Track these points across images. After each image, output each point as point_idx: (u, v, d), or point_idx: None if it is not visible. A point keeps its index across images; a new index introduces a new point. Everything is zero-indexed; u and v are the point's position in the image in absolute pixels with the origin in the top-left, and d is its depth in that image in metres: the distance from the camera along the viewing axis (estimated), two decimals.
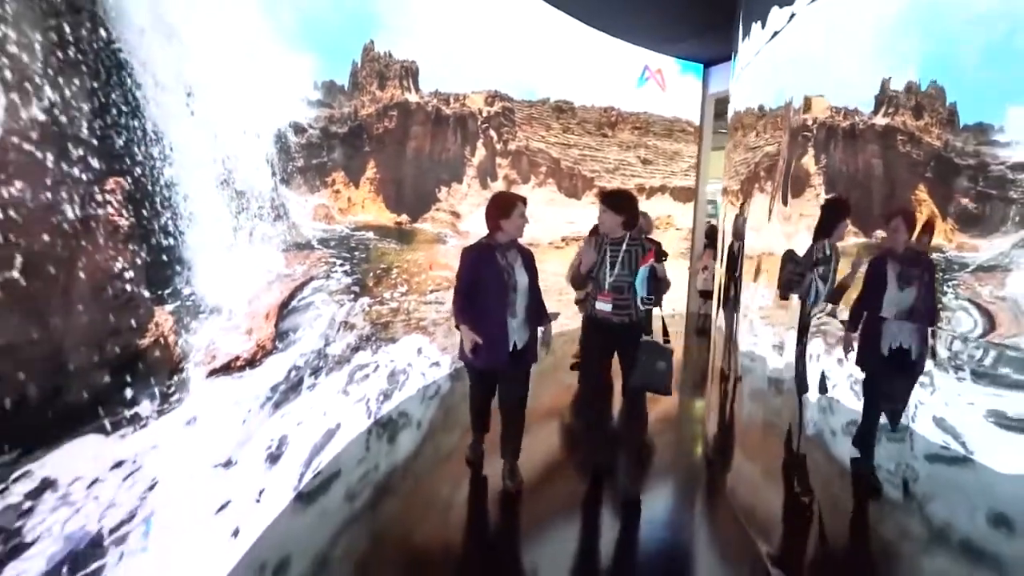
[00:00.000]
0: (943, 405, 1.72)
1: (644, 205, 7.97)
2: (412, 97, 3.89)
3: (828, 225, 2.17)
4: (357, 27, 3.13)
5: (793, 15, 2.73)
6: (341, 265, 2.99)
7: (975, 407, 1.61)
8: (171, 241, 1.57)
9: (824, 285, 2.13)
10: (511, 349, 2.52)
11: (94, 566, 1.28)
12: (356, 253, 3.18)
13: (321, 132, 2.72)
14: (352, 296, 3.12)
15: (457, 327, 2.55)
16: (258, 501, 2.23)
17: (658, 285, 2.57)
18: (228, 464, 1.96)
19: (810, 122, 2.69)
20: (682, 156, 7.91)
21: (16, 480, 1.04)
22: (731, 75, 4.00)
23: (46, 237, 1.09)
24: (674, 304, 7.39)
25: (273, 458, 2.34)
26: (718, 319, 3.98)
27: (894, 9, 2.19)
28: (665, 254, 2.57)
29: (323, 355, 2.80)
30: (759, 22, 3.34)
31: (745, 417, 3.17)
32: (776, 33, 3.03)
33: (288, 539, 2.31)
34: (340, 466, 2.98)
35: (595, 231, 4.25)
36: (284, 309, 2.40)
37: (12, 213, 1.00)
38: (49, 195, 1.10)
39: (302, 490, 2.64)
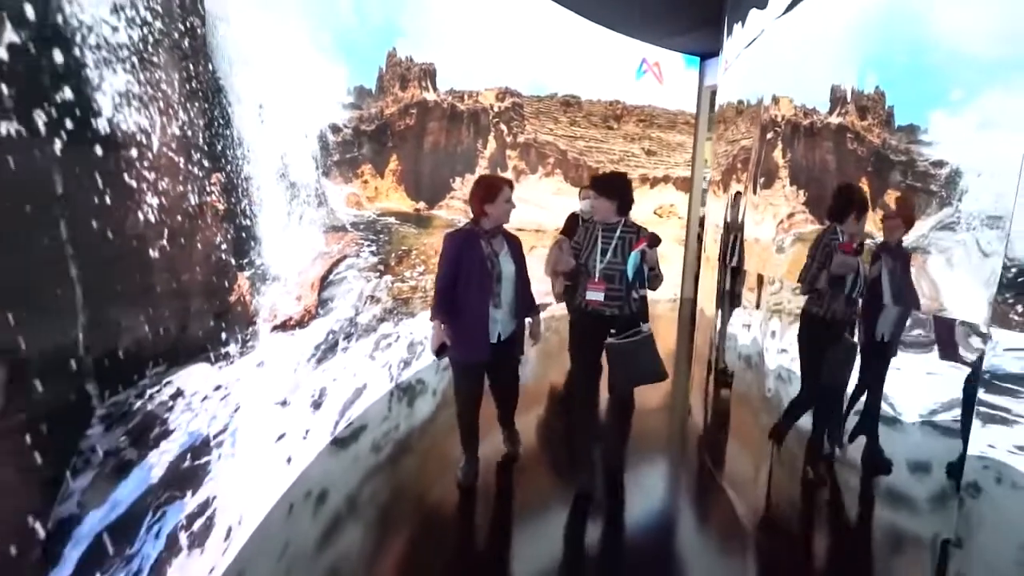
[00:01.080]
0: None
1: (649, 194, 8.36)
2: (430, 96, 4.31)
3: (842, 211, 2.17)
4: (382, 37, 3.55)
5: (763, 30, 3.10)
6: (368, 246, 3.45)
7: (901, 372, 1.92)
8: (248, 222, 2.03)
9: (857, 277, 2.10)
10: (495, 341, 2.43)
11: (204, 459, 1.76)
12: (381, 236, 3.64)
13: (353, 131, 3.17)
14: (378, 273, 3.58)
15: (431, 318, 2.41)
16: (304, 438, 2.71)
17: (649, 274, 2.47)
18: (284, 404, 2.44)
19: (778, 119, 3.06)
20: (685, 147, 8.23)
21: (163, 387, 1.51)
22: (718, 71, 4.36)
23: (179, 217, 1.55)
24: (674, 290, 7.79)
25: (316, 405, 2.82)
26: (707, 309, 4.19)
27: (847, 24, 2.55)
28: (658, 240, 2.44)
29: (354, 323, 3.27)
30: (740, 23, 3.70)
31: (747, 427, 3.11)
32: (753, 40, 3.39)
33: (326, 476, 2.78)
34: (367, 421, 3.46)
35: (570, 224, 4.36)
36: (324, 281, 2.86)
37: (163, 200, 1.46)
38: (181, 187, 1.56)
39: (337, 436, 3.13)
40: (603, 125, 7.47)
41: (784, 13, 3.00)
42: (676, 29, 6.56)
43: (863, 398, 2.05)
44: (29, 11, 0.96)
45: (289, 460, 2.54)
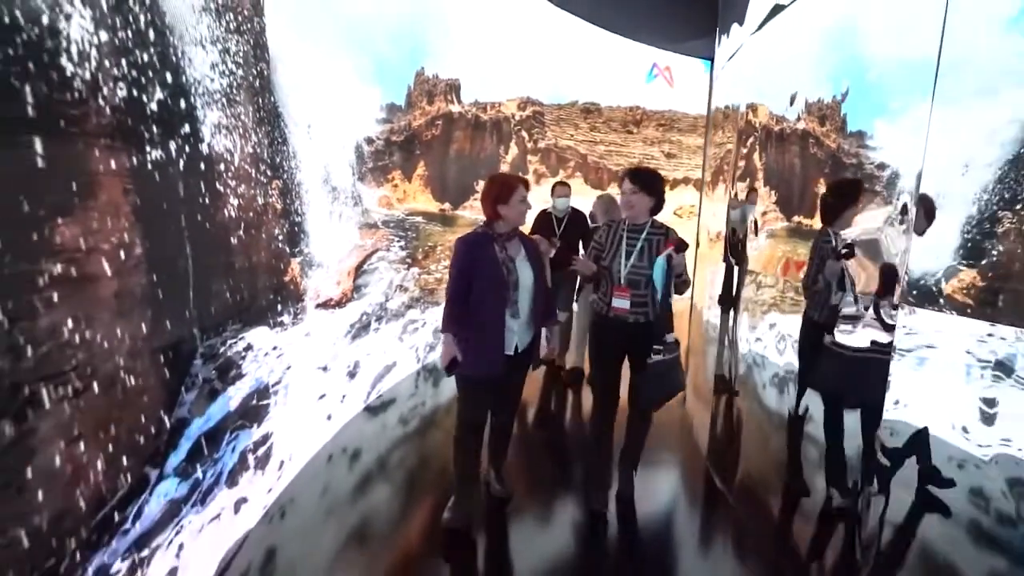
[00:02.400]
0: None
1: (669, 195, 8.65)
2: (455, 108, 4.81)
3: (834, 211, 2.11)
4: (411, 59, 4.07)
5: (741, 44, 3.44)
6: (398, 241, 3.96)
7: None
8: (299, 219, 2.55)
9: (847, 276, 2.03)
10: (512, 352, 2.22)
11: (265, 401, 2.27)
12: (409, 233, 4.15)
13: (384, 142, 3.69)
14: (406, 266, 4.09)
15: (442, 330, 2.19)
16: (342, 401, 3.22)
17: (676, 280, 2.29)
18: (325, 369, 2.96)
19: (755, 125, 3.40)
20: None
21: (239, 340, 2.03)
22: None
23: (250, 214, 2.07)
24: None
25: (351, 374, 3.33)
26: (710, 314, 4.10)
27: (809, 41, 2.87)
28: (686, 244, 2.27)
29: (384, 308, 3.78)
30: (726, 34, 4.02)
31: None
32: (735, 52, 3.73)
33: (360, 437, 3.27)
34: (396, 395, 3.96)
35: (541, 223, 4.01)
36: (359, 270, 3.38)
37: (240, 201, 1.97)
38: (252, 191, 2.07)
39: (369, 404, 3.64)
40: (623, 130, 7.82)
41: (757, 30, 3.35)
42: (683, 34, 6.71)
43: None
44: (168, 76, 1.47)
45: (329, 417, 3.06)
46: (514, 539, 2.39)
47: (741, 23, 3.44)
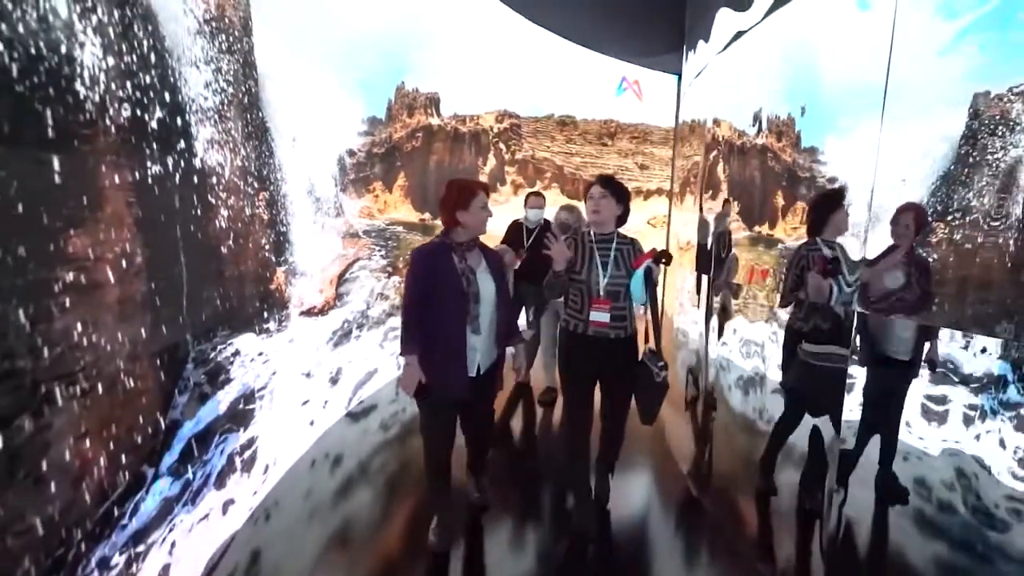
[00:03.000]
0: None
1: (643, 205, 8.91)
2: (435, 121, 4.94)
3: (819, 220, 2.09)
4: (392, 73, 4.19)
5: (707, 63, 3.65)
6: (379, 250, 4.05)
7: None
8: (284, 229, 2.64)
9: (840, 284, 1.99)
10: (473, 374, 2.06)
11: (251, 406, 2.34)
12: (390, 242, 4.24)
13: (366, 154, 3.79)
14: (387, 274, 4.18)
15: (402, 352, 2.01)
16: (324, 407, 3.29)
17: (653, 292, 2.25)
18: (308, 375, 3.03)
19: (720, 139, 3.60)
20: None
21: (227, 345, 2.10)
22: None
23: (239, 224, 2.15)
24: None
25: (333, 381, 3.40)
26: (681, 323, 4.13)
27: (769, 61, 3.06)
28: (669, 257, 2.23)
29: (366, 315, 3.86)
30: (693, 51, 4.23)
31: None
32: (702, 69, 3.94)
33: (341, 443, 3.33)
34: (377, 401, 4.02)
35: (512, 234, 3.81)
36: (341, 278, 3.46)
37: (230, 212, 2.06)
38: (241, 203, 2.16)
39: (351, 410, 3.70)
40: (598, 142, 8.05)
41: (723, 49, 3.55)
42: (652, 49, 6.72)
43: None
44: (167, 96, 1.56)
45: (312, 423, 3.12)
46: (495, 553, 2.34)
47: (707, 40, 3.65)
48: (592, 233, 2.24)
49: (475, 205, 2.01)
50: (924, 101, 2.19)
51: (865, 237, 2.08)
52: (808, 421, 2.09)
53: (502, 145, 6.26)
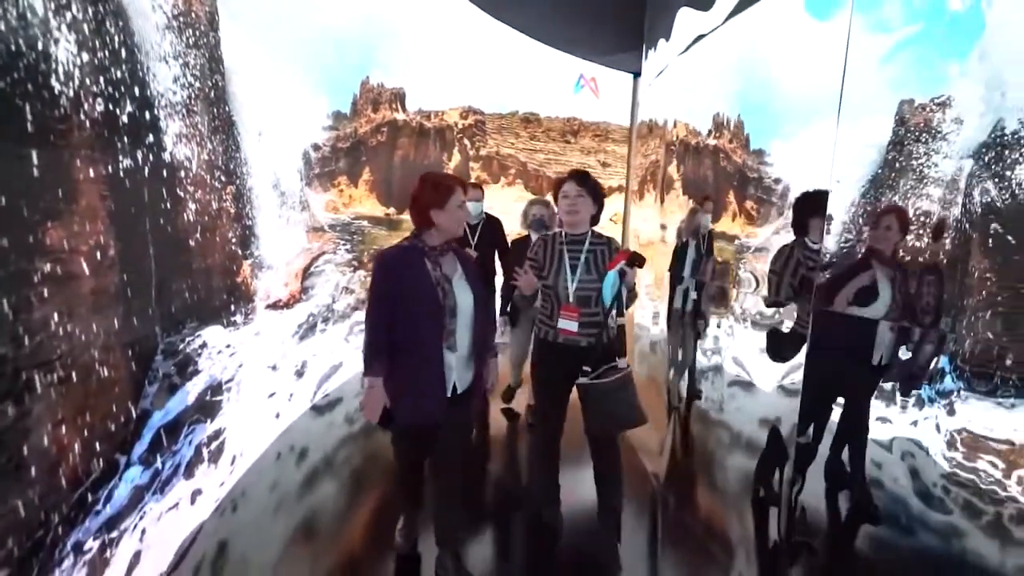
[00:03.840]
0: (738, 347, 2.41)
1: (606, 202, 9.13)
2: (400, 116, 4.96)
3: (799, 221, 2.04)
4: (357, 68, 4.20)
5: (667, 65, 3.82)
6: (344, 245, 4.07)
7: (753, 346, 2.45)
8: (250, 222, 2.65)
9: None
10: (448, 394, 1.81)
11: (218, 398, 2.36)
12: (355, 236, 4.26)
13: (331, 148, 3.80)
14: (352, 268, 4.20)
15: (365, 373, 1.78)
16: (290, 400, 3.31)
17: (627, 295, 2.08)
18: (274, 368, 3.04)
19: (675, 139, 3.78)
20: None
21: (195, 337, 2.12)
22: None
23: (206, 218, 2.17)
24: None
25: (299, 374, 3.42)
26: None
27: (724, 66, 3.22)
28: (642, 259, 2.04)
29: (331, 309, 3.88)
30: (653, 49, 4.38)
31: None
32: (663, 70, 4.10)
33: (306, 435, 3.36)
34: (342, 394, 4.05)
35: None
36: (306, 272, 3.47)
37: (198, 206, 2.08)
38: (208, 197, 2.18)
39: (315, 403, 3.72)
40: (561, 139, 8.20)
41: (685, 51, 3.67)
42: (611, 48, 6.28)
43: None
44: (136, 90, 1.59)
45: (278, 415, 3.14)
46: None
47: (667, 39, 3.79)
48: (564, 234, 2.09)
49: (452, 203, 1.76)
50: (855, 109, 2.39)
51: (822, 238, 2.28)
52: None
53: (467, 141, 6.33)
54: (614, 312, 2.05)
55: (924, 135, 2.04)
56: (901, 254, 1.71)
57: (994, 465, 1.53)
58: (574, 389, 2.13)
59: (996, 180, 1.64)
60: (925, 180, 2.06)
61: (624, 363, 2.05)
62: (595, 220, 2.17)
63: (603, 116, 8.60)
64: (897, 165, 2.08)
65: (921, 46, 1.95)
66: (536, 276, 2.08)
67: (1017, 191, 1.69)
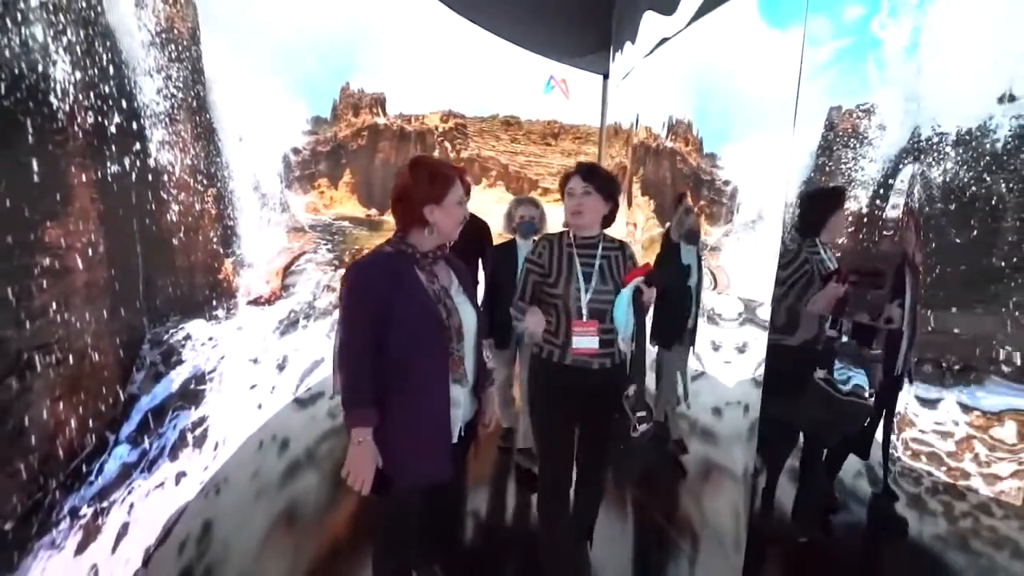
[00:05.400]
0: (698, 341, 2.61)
1: None
2: (380, 120, 5.14)
3: (817, 219, 1.84)
4: (337, 74, 4.38)
5: (633, 67, 4.01)
6: (325, 244, 4.23)
7: (706, 340, 2.65)
8: (231, 223, 2.81)
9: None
10: (456, 440, 1.48)
11: (202, 387, 2.53)
12: (336, 236, 4.42)
13: (311, 152, 3.97)
14: (334, 267, 4.36)
15: (350, 424, 1.35)
16: (271, 392, 3.47)
17: (641, 319, 1.71)
18: (256, 361, 3.20)
19: (637, 142, 3.98)
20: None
21: (179, 329, 2.29)
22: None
23: (189, 218, 2.34)
24: None
25: (280, 367, 3.58)
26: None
27: (682, 73, 3.41)
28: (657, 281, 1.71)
29: (312, 306, 4.04)
30: (620, 51, 4.55)
31: None
32: (629, 72, 4.29)
33: (288, 427, 3.52)
34: (324, 389, 4.20)
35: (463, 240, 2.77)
36: (287, 271, 3.64)
37: (181, 207, 2.24)
38: (191, 199, 2.34)
39: (298, 396, 3.88)
40: (542, 142, 8.41)
41: (649, 53, 3.82)
42: (580, 49, 6.23)
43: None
44: (124, 103, 1.75)
45: (260, 406, 3.30)
46: None
47: (634, 42, 3.97)
48: (572, 235, 1.77)
49: (451, 199, 1.40)
50: (794, 115, 2.59)
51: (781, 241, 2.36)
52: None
53: (448, 144, 6.51)
54: (630, 337, 1.68)
55: (852, 140, 2.24)
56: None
57: None
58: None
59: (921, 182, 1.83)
60: (853, 183, 2.27)
61: (645, 422, 1.65)
62: (608, 221, 1.82)
63: (583, 119, 8.82)
64: (827, 169, 2.30)
65: (850, 59, 2.16)
66: (537, 284, 1.75)
67: (935, 193, 1.90)
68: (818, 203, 1.93)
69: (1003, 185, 1.68)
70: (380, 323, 1.32)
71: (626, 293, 1.64)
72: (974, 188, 1.68)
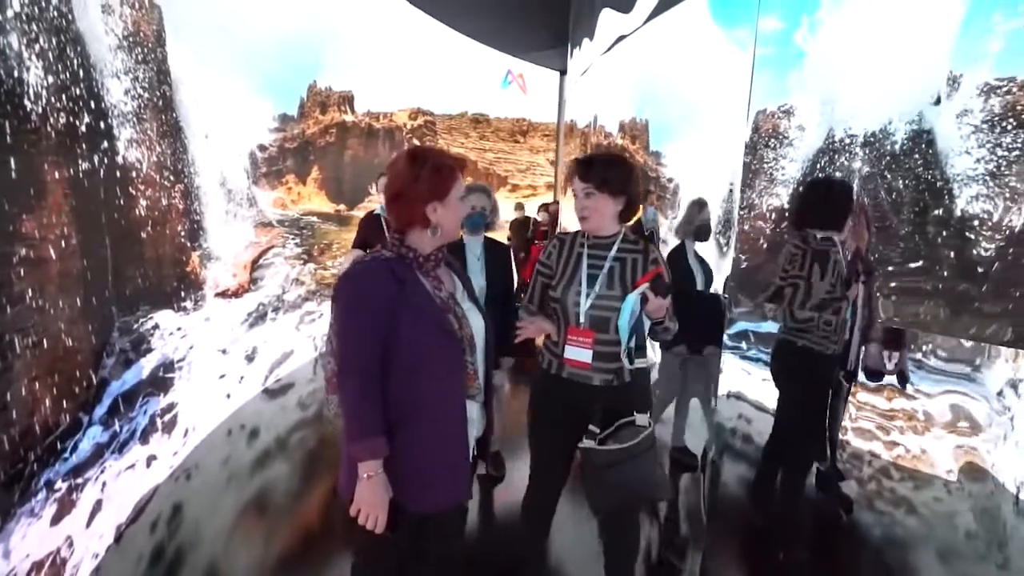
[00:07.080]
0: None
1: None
2: (348, 118, 5.24)
3: (839, 216, 1.75)
4: (304, 73, 4.47)
5: (590, 65, 4.21)
6: (293, 239, 4.34)
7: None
8: (198, 217, 2.92)
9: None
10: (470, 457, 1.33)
11: (171, 375, 2.64)
12: (304, 231, 4.53)
13: (278, 148, 4.07)
14: (302, 261, 4.47)
15: (357, 458, 1.15)
16: (240, 382, 3.57)
17: (657, 328, 1.53)
18: (224, 352, 3.31)
19: (593, 137, 4.19)
20: None
21: (148, 319, 2.40)
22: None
23: (156, 213, 2.44)
24: None
25: (249, 358, 3.68)
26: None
27: (635, 73, 3.62)
28: (669, 286, 1.43)
29: (281, 299, 4.14)
30: (578, 47, 4.73)
31: None
32: (587, 69, 4.49)
33: (257, 417, 3.62)
34: (294, 380, 4.31)
35: (367, 229, 2.80)
36: (255, 264, 3.74)
37: (148, 202, 2.35)
38: (158, 194, 2.45)
39: (267, 387, 3.99)
40: (511, 139, 8.58)
41: (607, 51, 4.00)
42: (537, 44, 6.32)
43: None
44: (93, 104, 1.87)
45: (228, 396, 3.41)
46: None
47: (591, 38, 4.17)
48: (585, 233, 1.58)
49: (455, 195, 1.25)
50: (722, 116, 2.78)
51: (730, 237, 2.46)
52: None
53: (416, 141, 6.63)
54: (632, 348, 1.51)
55: (773, 140, 2.46)
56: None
57: None
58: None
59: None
60: (775, 181, 2.50)
61: (645, 420, 1.51)
62: (626, 216, 1.55)
63: (553, 116, 9.00)
64: (752, 167, 2.52)
65: (772, 65, 2.38)
66: (545, 286, 1.59)
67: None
68: (839, 197, 1.88)
69: (900, 182, 1.92)
70: (385, 339, 1.14)
71: (631, 300, 1.43)
72: (878, 183, 1.93)
